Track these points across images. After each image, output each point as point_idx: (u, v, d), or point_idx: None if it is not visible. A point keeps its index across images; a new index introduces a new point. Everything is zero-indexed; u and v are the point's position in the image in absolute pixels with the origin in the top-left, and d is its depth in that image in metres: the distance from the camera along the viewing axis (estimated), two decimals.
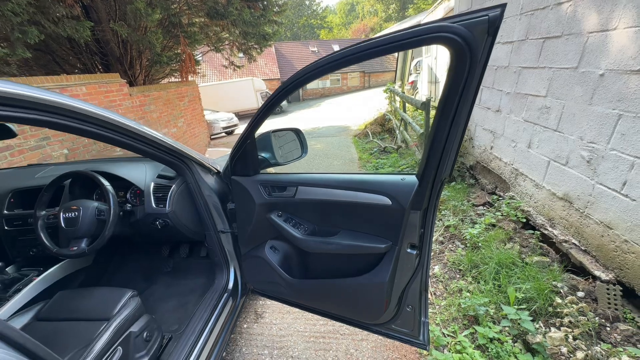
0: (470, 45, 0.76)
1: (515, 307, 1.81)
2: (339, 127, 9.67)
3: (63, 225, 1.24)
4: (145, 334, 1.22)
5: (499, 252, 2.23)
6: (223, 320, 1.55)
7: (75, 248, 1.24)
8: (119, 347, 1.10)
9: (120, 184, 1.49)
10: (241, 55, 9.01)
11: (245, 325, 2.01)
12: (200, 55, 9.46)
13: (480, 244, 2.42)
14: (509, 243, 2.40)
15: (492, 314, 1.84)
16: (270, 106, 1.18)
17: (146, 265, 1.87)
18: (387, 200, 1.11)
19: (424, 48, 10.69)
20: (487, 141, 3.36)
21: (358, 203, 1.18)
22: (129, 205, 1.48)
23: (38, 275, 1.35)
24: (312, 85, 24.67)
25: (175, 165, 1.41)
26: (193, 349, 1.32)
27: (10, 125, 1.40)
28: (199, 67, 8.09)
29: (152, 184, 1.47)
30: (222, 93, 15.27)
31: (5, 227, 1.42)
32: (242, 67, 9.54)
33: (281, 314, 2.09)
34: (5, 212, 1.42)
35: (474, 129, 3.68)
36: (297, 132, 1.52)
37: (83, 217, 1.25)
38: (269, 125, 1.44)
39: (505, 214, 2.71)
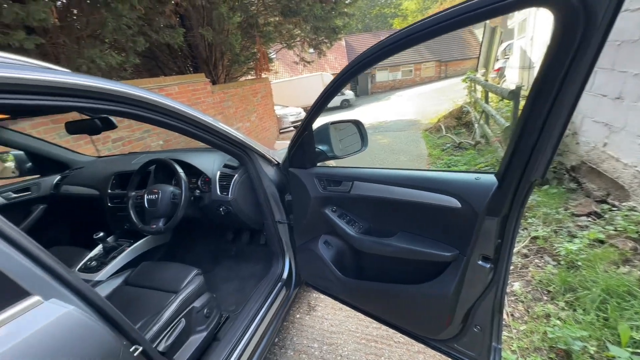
0: (587, 4, 0.56)
1: (630, 349, 1.40)
2: (408, 121, 9.12)
3: (146, 205, 1.42)
4: (205, 310, 1.32)
5: (609, 276, 1.77)
6: (276, 307, 1.59)
7: (155, 226, 1.42)
8: (183, 319, 1.21)
9: (194, 171, 1.64)
10: (311, 50, 9.20)
11: (297, 315, 2.05)
12: (274, 53, 10.00)
13: (580, 263, 1.97)
14: (624, 266, 1.88)
15: (592, 352, 1.47)
16: (328, 95, 1.13)
17: (213, 248, 2.05)
18: (455, 202, 0.95)
19: (516, 28, 9.23)
20: (598, 137, 2.70)
21: (420, 203, 1.05)
22: (198, 191, 1.62)
23: (129, 246, 1.59)
24: (382, 77, 23.85)
25: (238, 156, 1.48)
26: (247, 330, 1.38)
27: (112, 118, 1.67)
28: (272, 64, 8.56)
29: (218, 173, 1.58)
30: (293, 89, 15.95)
31: (109, 204, 1.73)
32: (312, 62, 9.75)
33: (333, 309, 2.06)
34: (109, 191, 1.73)
35: (579, 122, 3.00)
36: (357, 123, 1.43)
37: (161, 200, 1.42)
38: (334, 119, 1.39)
39: (620, 229, 2.14)
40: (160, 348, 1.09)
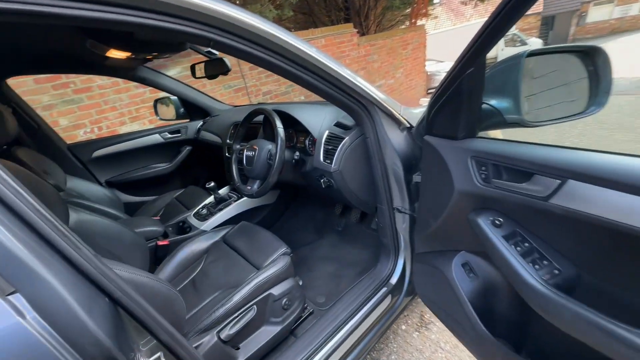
0: None
1: None
2: None
3: (244, 162, 1.24)
4: (284, 301, 1.07)
5: None
6: (376, 316, 1.20)
7: (249, 187, 1.24)
8: (255, 306, 1.00)
9: (302, 128, 1.33)
10: None
11: (403, 327, 1.59)
12: None
13: None
14: None
15: None
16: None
17: (319, 218, 1.80)
18: None
19: None
20: None
21: None
22: (298, 153, 1.31)
23: (235, 201, 1.53)
24: (599, 14, 16.26)
25: (353, 111, 1.03)
26: (334, 335, 1.07)
27: (226, 60, 1.54)
28: (432, 7, 7.15)
29: (326, 133, 1.20)
30: (455, 40, 13.28)
31: (226, 154, 1.71)
32: (486, 1, 7.54)
33: (454, 339, 1.47)
34: (227, 141, 1.69)
35: None
36: (592, 54, 0.68)
37: (257, 158, 1.20)
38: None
39: None
40: (223, 335, 0.91)
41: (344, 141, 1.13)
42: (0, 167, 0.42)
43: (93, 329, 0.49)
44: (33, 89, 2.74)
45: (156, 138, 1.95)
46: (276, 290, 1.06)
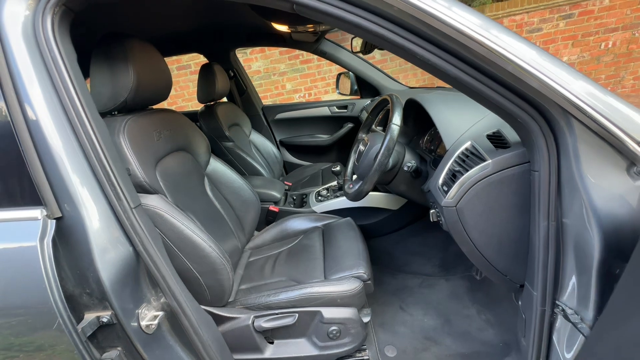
0: None
1: None
2: None
3: (356, 156, 1.04)
4: (331, 328, 0.89)
5: None
6: None
7: (349, 187, 1.04)
8: (297, 314, 0.89)
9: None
10: None
11: None
12: None
13: None
14: None
15: None
16: None
17: (451, 252, 1.31)
18: None
19: None
20: None
21: None
22: (413, 162, 0.92)
23: None
24: None
25: (519, 122, 0.58)
26: None
27: None
28: None
29: (465, 145, 0.76)
30: None
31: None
32: None
33: None
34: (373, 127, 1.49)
35: None
36: None
37: (365, 155, 0.96)
38: None
39: None
40: (256, 323, 0.89)
41: (484, 165, 0.68)
42: None
43: (98, 267, 0.57)
44: (277, 59, 3.65)
45: (325, 110, 2.08)
46: (327, 313, 0.89)
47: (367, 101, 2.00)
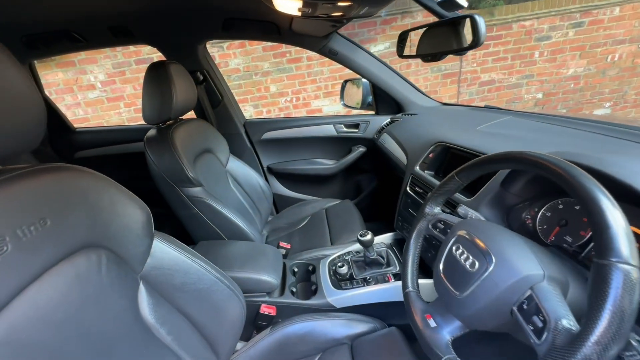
0: None
1: None
2: None
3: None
4: None
5: None
6: None
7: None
8: None
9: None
10: None
11: None
12: None
13: None
14: None
15: None
16: None
17: None
18: None
19: None
20: None
21: None
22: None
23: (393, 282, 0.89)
24: None
25: None
26: None
27: (479, 19, 0.78)
28: None
29: None
30: None
31: (407, 188, 1.03)
32: None
33: None
34: (416, 168, 0.99)
35: None
36: None
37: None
38: None
39: None
40: None
41: None
42: None
43: None
44: (260, 56, 3.06)
45: (329, 130, 1.56)
46: None
47: (387, 119, 1.51)
